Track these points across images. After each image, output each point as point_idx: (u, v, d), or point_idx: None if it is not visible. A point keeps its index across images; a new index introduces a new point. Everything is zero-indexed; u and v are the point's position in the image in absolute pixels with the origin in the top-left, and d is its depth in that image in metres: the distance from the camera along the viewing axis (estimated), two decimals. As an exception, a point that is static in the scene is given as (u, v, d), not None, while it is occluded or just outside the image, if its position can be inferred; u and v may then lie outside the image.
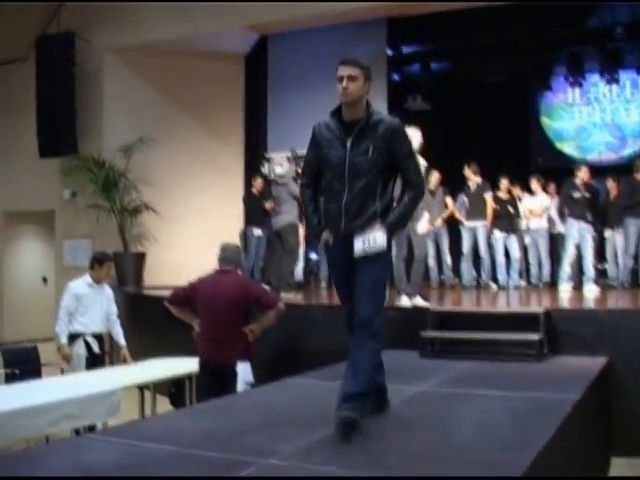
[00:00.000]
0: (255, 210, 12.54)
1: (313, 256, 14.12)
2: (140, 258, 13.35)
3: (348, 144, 4.52)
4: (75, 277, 8.43)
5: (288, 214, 11.10)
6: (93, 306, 8.09)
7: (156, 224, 13.31)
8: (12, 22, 14.92)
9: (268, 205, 12.02)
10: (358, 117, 4.52)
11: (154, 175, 13.26)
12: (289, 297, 10.41)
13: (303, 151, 12.18)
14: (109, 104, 13.99)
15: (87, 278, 8.13)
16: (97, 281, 8.15)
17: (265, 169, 12.67)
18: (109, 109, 13.97)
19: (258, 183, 12.71)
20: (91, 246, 13.89)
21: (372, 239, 4.47)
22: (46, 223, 15.68)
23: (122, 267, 12.97)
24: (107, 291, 8.33)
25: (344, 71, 4.46)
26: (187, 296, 7.02)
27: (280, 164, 11.58)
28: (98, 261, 8.21)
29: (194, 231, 13.63)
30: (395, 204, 4.64)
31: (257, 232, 12.60)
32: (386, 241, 4.50)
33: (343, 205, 4.53)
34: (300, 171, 11.81)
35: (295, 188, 10.94)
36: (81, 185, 13.68)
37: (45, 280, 16.54)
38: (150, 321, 10.88)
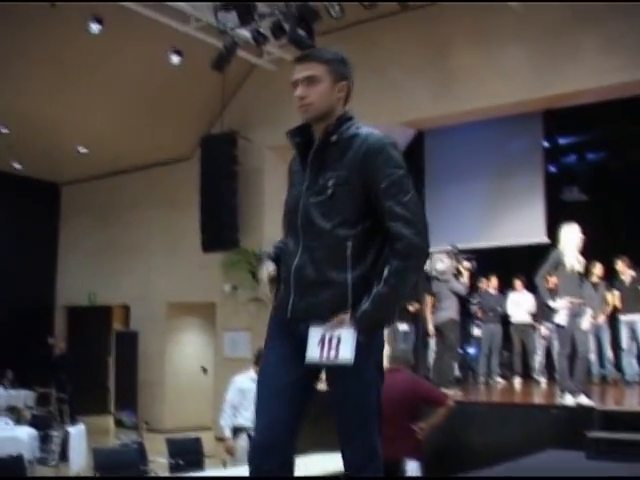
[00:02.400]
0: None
1: (471, 350, 14.02)
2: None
3: (305, 178, 3.14)
4: (234, 368, 8.63)
5: (448, 310, 11.14)
6: (257, 401, 8.24)
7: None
8: (179, 123, 15.67)
9: (412, 307, 12.22)
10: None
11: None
12: (450, 393, 10.35)
13: (463, 246, 12.31)
14: (269, 200, 14.43)
15: (251, 373, 8.30)
16: (261, 376, 8.31)
17: (425, 265, 12.72)
18: (269, 205, 14.39)
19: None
20: (250, 338, 14.20)
21: (335, 340, 2.94)
22: (207, 315, 16.15)
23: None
24: (269, 385, 8.48)
25: (299, 72, 3.12)
26: None
27: (440, 260, 11.64)
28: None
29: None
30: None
31: (402, 327, 12.68)
32: (355, 349, 2.90)
33: (293, 274, 3.07)
34: (460, 268, 11.89)
35: (456, 284, 11.04)
36: (242, 279, 14.04)
37: (204, 370, 16.96)
38: (309, 414, 10.93)
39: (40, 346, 17.93)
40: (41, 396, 15.59)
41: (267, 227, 14.27)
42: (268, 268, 3.21)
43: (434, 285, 11.59)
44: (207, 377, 16.63)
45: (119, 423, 17.30)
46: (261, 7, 11.33)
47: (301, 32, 10.96)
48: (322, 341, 2.96)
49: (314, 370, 3.11)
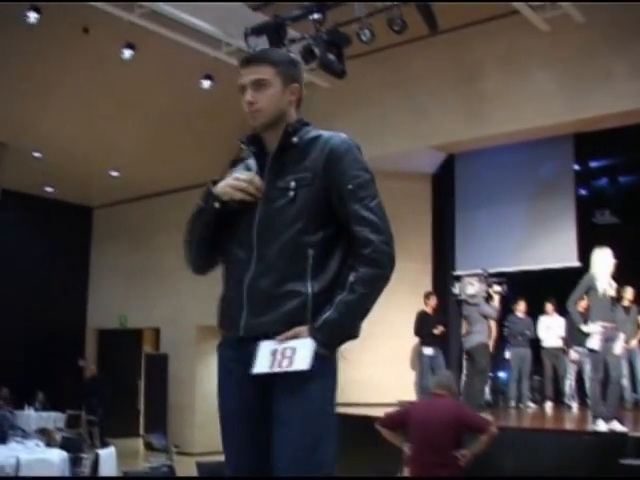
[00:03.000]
0: (427, 329, 12.67)
1: (501, 374, 13.93)
2: (330, 375, 13.49)
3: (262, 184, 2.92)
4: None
5: (479, 334, 11.11)
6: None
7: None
8: (210, 147, 15.70)
9: (437, 331, 12.20)
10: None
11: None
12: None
13: (494, 269, 12.25)
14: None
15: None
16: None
17: (456, 289, 12.70)
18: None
19: (432, 302, 12.88)
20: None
21: (290, 350, 2.66)
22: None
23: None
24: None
25: (247, 75, 2.91)
26: (400, 419, 7.17)
27: (471, 283, 11.62)
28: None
29: (384, 349, 13.65)
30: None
31: (428, 351, 12.64)
32: (312, 358, 2.62)
33: (246, 286, 2.80)
34: (491, 291, 11.85)
35: (487, 308, 11.01)
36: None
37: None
38: (339, 438, 10.91)
39: (71, 368, 18.04)
40: (71, 418, 15.66)
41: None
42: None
43: (464, 309, 11.58)
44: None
45: (149, 446, 17.31)
46: (291, 32, 11.41)
47: (331, 56, 11.01)
48: (273, 353, 2.68)
49: (265, 391, 2.76)
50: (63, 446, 10.16)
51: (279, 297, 2.74)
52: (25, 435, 11.38)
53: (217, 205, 2.88)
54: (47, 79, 13.21)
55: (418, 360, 13.14)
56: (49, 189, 18.69)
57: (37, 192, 18.71)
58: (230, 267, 2.93)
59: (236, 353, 2.83)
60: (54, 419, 15.57)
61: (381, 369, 13.47)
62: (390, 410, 7.53)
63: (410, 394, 13.62)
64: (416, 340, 13.27)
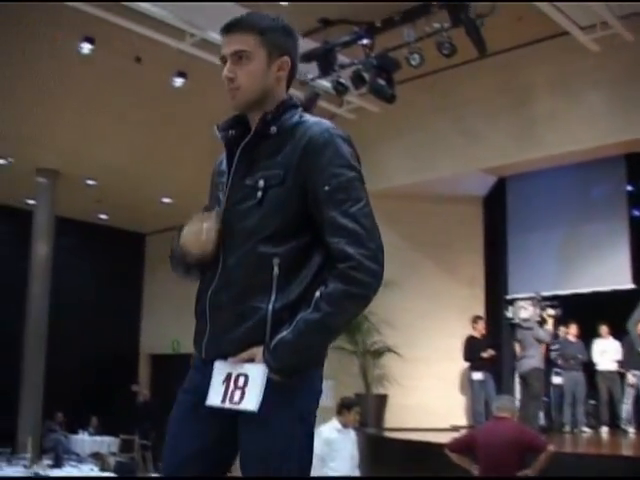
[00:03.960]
0: (475, 353, 12.59)
1: (555, 399, 13.74)
2: (382, 400, 13.44)
3: (228, 179, 2.50)
4: (317, 417, 8.59)
5: (533, 358, 11.01)
6: (342, 451, 8.23)
7: (398, 366, 13.37)
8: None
9: (486, 354, 12.10)
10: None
11: (396, 317, 13.41)
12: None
13: (547, 293, 12.14)
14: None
15: (336, 423, 8.28)
16: (345, 426, 8.30)
17: (509, 313, 12.60)
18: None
19: (480, 326, 12.79)
20: (333, 387, 14.15)
21: (242, 378, 2.32)
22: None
23: (364, 408, 13.10)
24: (352, 435, 8.48)
25: (227, 46, 2.44)
26: (467, 443, 7.32)
27: (524, 307, 11.53)
28: (347, 407, 8.39)
29: (437, 374, 13.59)
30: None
31: (477, 376, 12.53)
32: (264, 392, 2.29)
33: (208, 300, 2.44)
34: (544, 315, 11.74)
35: (540, 332, 10.92)
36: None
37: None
38: (391, 463, 10.89)
39: (124, 393, 18.18)
40: (125, 443, 15.77)
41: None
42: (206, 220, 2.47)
43: (518, 333, 11.50)
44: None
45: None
46: (341, 57, 11.48)
47: (381, 81, 11.06)
48: (227, 380, 2.34)
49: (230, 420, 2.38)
50: (117, 470, 10.26)
51: (239, 314, 2.34)
52: (79, 459, 11.52)
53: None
54: (100, 108, 13.42)
55: (468, 385, 13.04)
56: (103, 216, 18.95)
57: (91, 219, 18.98)
58: (201, 282, 2.54)
59: (199, 377, 2.48)
60: (108, 444, 15.70)
61: (433, 394, 13.39)
62: (456, 435, 7.65)
63: (462, 419, 13.52)
64: (466, 365, 13.19)
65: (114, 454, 14.78)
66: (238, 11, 9.05)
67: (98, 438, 15.97)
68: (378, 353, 13.46)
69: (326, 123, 2.42)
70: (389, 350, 13.31)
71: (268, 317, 2.30)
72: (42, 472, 8.95)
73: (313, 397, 2.44)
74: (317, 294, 2.28)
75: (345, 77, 11.59)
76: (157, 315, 19.88)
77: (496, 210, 14.49)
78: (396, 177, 13.82)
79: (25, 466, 9.35)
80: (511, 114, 12.76)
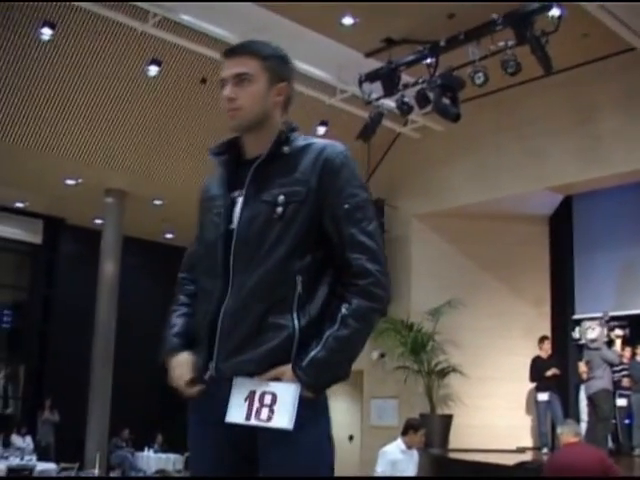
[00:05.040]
0: (541, 374, 12.44)
1: (627, 421, 13.47)
2: (447, 420, 13.33)
3: (238, 199, 2.51)
4: (381, 436, 8.61)
5: (601, 380, 10.85)
6: (406, 472, 8.19)
7: (463, 386, 13.27)
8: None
9: (550, 372, 11.94)
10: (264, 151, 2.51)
11: (461, 337, 13.32)
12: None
13: (615, 313, 11.96)
14: (417, 268, 14.38)
15: (400, 443, 8.25)
16: (409, 447, 8.26)
17: (576, 333, 12.43)
18: (417, 273, 14.34)
19: (546, 346, 12.63)
20: (397, 406, 14.13)
21: (270, 397, 2.32)
22: (354, 382, 16.13)
23: (428, 429, 12.98)
24: (415, 456, 8.43)
25: (229, 68, 2.53)
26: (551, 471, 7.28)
27: (591, 328, 11.36)
28: (413, 427, 8.35)
29: (503, 394, 13.44)
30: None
31: (543, 397, 12.37)
32: (297, 409, 2.30)
33: (221, 318, 2.42)
34: (612, 335, 11.55)
35: (608, 353, 10.76)
36: (390, 347, 14.00)
37: (351, 438, 16.91)
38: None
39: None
40: (189, 460, 15.86)
41: (414, 295, 14.18)
42: (184, 363, 2.57)
43: (585, 354, 11.33)
44: (353, 445, 16.57)
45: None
46: (405, 77, 11.50)
47: (446, 100, 11.04)
48: (250, 397, 2.34)
49: (249, 447, 2.39)
50: (182, 488, 10.33)
51: (261, 332, 2.35)
52: (145, 476, 11.62)
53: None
54: (166, 129, 13.64)
55: (534, 406, 12.88)
56: (168, 235, 19.17)
57: (157, 238, 19.21)
58: (199, 300, 2.59)
59: (208, 401, 2.48)
60: (173, 461, 15.82)
61: (498, 414, 13.25)
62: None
63: (527, 440, 13.34)
64: (532, 385, 13.03)
65: (179, 471, 14.89)
66: (302, 32, 9.11)
67: (163, 455, 16.11)
68: (443, 373, 13.36)
69: (339, 145, 2.51)
70: (454, 370, 13.20)
71: (295, 335, 2.34)
72: (109, 488, 9.06)
73: (329, 413, 2.46)
74: (343, 310, 2.34)
75: (409, 96, 11.60)
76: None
77: (562, 229, 14.30)
78: (461, 196, 13.78)
79: (92, 482, 9.48)
80: (576, 132, 12.64)
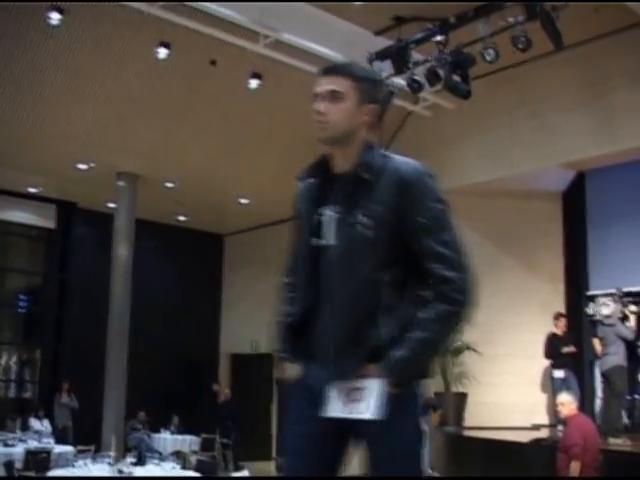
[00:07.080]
0: (557, 351, 12.41)
1: (638, 397, 13.46)
2: (461, 398, 13.35)
3: (328, 214, 2.75)
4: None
5: (615, 356, 10.80)
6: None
7: (477, 364, 13.26)
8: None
9: (567, 349, 11.90)
10: (349, 167, 2.74)
11: (475, 314, 13.30)
12: (618, 443, 10.04)
13: (629, 288, 11.90)
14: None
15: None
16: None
17: (590, 309, 12.40)
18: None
19: (561, 323, 12.60)
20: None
21: (358, 392, 2.61)
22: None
23: (443, 407, 13.03)
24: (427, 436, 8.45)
25: (323, 85, 2.74)
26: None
27: (605, 304, 11.34)
28: (433, 407, 8.39)
29: (517, 371, 13.44)
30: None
31: (559, 374, 12.35)
32: (383, 403, 2.55)
33: (322, 333, 2.71)
34: (627, 311, 11.52)
35: (623, 329, 10.72)
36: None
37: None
38: (470, 462, 10.83)
39: (205, 392, 18.40)
40: (206, 441, 15.93)
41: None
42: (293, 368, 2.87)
43: (600, 330, 11.30)
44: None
45: (281, 469, 17.44)
46: (415, 54, 11.45)
47: (456, 78, 11.00)
48: (343, 393, 2.64)
49: (344, 438, 2.74)
50: (197, 469, 10.35)
51: (355, 341, 2.62)
52: (162, 458, 11.66)
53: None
54: (178, 112, 13.63)
55: (550, 383, 12.87)
56: (181, 218, 19.21)
57: (170, 221, 19.25)
58: (295, 304, 2.86)
59: (308, 404, 2.75)
60: (189, 442, 15.88)
61: (513, 392, 13.24)
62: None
63: (543, 417, 13.34)
64: (546, 362, 13.01)
65: (195, 452, 14.96)
66: (310, 12, 9.08)
67: (179, 437, 16.17)
68: (457, 351, 13.35)
69: (413, 162, 2.70)
70: (468, 348, 13.20)
71: (385, 341, 2.59)
72: (126, 469, 9.09)
73: (419, 403, 2.72)
74: (424, 315, 2.59)
75: (420, 74, 11.56)
76: (236, 315, 20.06)
77: (575, 205, 14.22)
78: (474, 174, 13.74)
79: (109, 464, 9.51)
80: (590, 107, 12.56)
